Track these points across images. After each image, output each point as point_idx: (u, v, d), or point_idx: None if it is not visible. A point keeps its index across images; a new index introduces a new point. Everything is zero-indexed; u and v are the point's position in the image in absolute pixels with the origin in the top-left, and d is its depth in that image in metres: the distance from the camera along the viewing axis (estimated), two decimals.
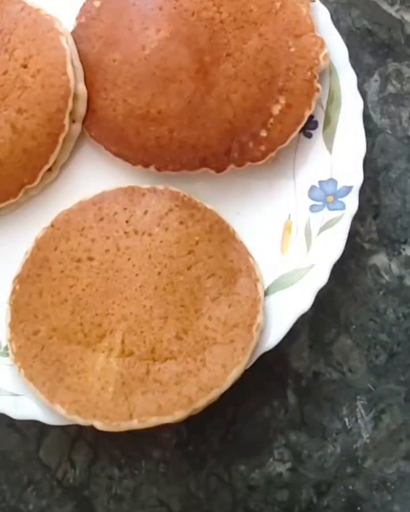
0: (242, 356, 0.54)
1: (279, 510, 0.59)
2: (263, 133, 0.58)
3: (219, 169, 0.58)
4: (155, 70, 0.58)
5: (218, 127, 0.57)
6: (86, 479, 0.60)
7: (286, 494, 0.60)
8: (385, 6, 0.66)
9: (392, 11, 0.66)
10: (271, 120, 0.58)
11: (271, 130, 0.58)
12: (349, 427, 0.60)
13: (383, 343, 0.61)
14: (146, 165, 0.58)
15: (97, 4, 0.60)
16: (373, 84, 0.65)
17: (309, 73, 0.58)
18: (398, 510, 0.59)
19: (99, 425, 0.53)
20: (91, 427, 0.54)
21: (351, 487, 0.60)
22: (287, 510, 0.59)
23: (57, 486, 0.60)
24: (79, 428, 0.55)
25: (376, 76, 0.65)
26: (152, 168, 0.58)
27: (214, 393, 0.53)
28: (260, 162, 0.58)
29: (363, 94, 0.61)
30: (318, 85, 0.58)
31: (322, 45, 0.58)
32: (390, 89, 0.65)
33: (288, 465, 0.60)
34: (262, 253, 0.58)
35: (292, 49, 0.58)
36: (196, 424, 0.59)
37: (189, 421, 0.55)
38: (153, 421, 0.53)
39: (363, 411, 0.61)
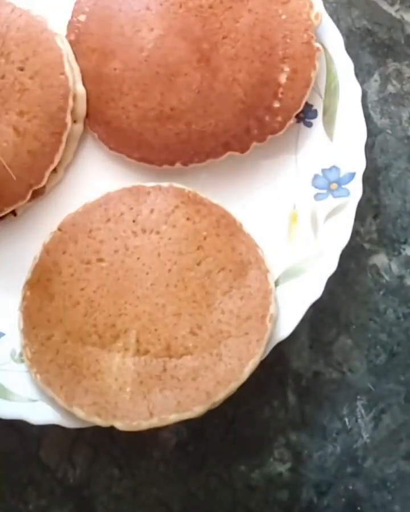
0: (258, 348, 0.54)
1: (279, 510, 0.59)
2: (277, 104, 0.58)
3: (243, 150, 0.58)
4: (158, 69, 0.58)
5: (233, 109, 0.58)
6: (86, 479, 0.60)
7: (286, 494, 0.60)
8: (385, 6, 0.66)
9: (392, 11, 0.66)
10: (281, 89, 0.58)
11: (283, 99, 0.58)
12: (349, 427, 0.60)
13: (383, 343, 0.62)
14: (172, 163, 0.58)
15: (82, 18, 0.60)
16: (373, 84, 0.65)
17: (305, 35, 0.58)
18: (398, 510, 0.60)
19: (120, 425, 0.53)
20: (92, 427, 0.53)
21: (351, 487, 0.60)
22: (287, 509, 0.59)
23: (57, 486, 0.60)
24: (79, 427, 0.55)
25: (376, 76, 0.65)
26: (178, 165, 0.58)
27: (233, 387, 0.53)
28: (280, 133, 0.58)
29: (363, 94, 0.61)
30: (317, 45, 0.58)
31: (311, 5, 0.58)
32: (390, 89, 0.65)
33: (288, 464, 0.60)
34: (270, 244, 0.58)
35: (283, 16, 0.58)
36: (196, 424, 0.58)
37: (189, 421, 0.54)
38: (173, 418, 0.53)
39: (363, 411, 0.61)
